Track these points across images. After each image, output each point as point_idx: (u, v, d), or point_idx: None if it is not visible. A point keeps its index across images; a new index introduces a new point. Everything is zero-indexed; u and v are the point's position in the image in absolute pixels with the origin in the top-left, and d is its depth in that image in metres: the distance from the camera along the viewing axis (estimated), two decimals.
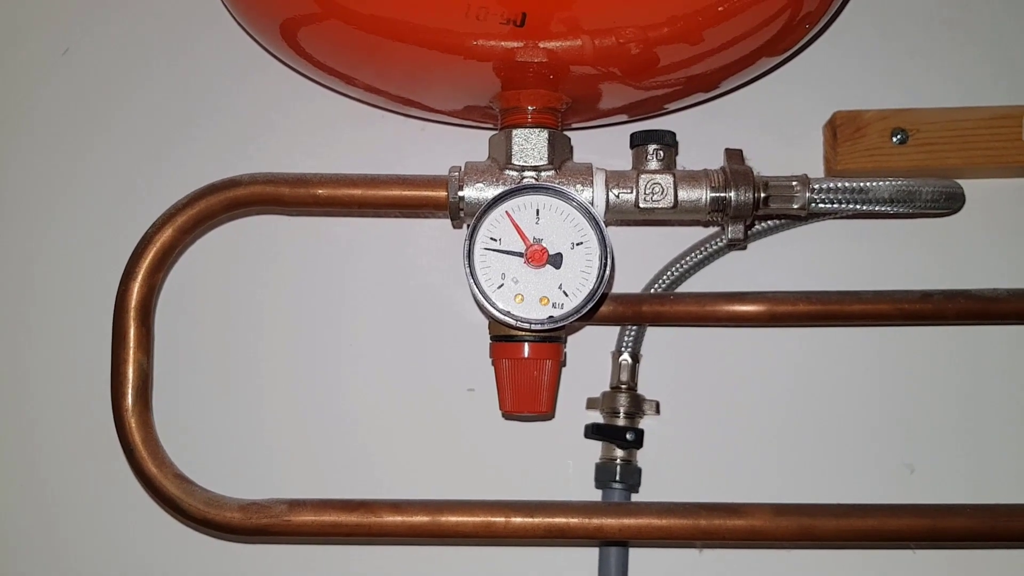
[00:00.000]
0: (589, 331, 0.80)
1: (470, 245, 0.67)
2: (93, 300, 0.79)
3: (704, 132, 0.80)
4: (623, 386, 0.78)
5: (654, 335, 0.80)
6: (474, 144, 0.76)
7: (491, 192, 0.69)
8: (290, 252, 0.81)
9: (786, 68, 0.81)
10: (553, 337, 0.71)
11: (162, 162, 0.82)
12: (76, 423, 0.80)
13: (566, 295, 0.67)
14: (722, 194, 0.71)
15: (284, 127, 0.82)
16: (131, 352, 0.70)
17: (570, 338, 0.79)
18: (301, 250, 0.81)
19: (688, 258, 0.78)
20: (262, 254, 0.81)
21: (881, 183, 0.73)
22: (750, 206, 0.71)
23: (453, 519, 0.69)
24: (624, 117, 0.79)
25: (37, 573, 0.81)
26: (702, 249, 0.78)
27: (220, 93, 0.83)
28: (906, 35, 0.83)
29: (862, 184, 0.72)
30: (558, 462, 0.80)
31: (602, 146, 0.77)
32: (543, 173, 0.70)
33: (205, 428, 0.80)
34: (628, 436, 0.77)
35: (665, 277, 0.78)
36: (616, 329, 0.79)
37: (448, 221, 0.73)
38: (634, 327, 0.78)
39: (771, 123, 0.82)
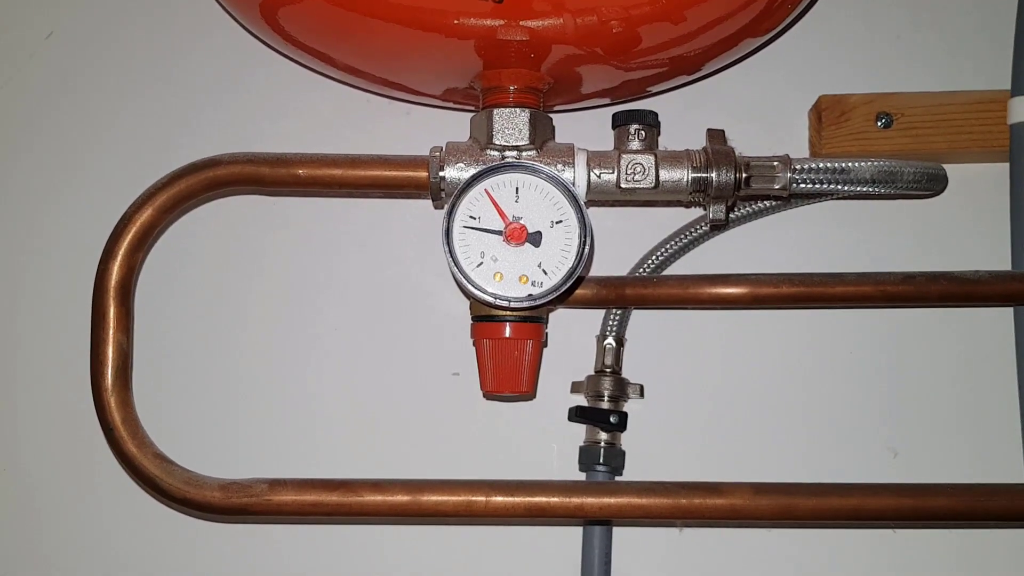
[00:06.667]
0: (574, 314, 0.79)
1: (448, 223, 0.67)
2: (74, 280, 0.79)
3: (688, 117, 0.79)
4: (607, 369, 0.78)
5: (639, 319, 0.80)
6: (461, 127, 0.75)
7: (472, 172, 0.69)
8: (273, 234, 0.81)
9: (770, 52, 0.81)
10: (534, 317, 0.71)
11: (147, 148, 0.82)
12: (56, 403, 0.80)
13: (545, 273, 0.67)
14: (703, 174, 0.70)
15: (273, 113, 0.82)
16: (111, 332, 0.69)
17: (555, 322, 0.79)
18: (284, 232, 0.81)
19: (673, 242, 0.78)
20: (245, 236, 0.81)
21: (863, 163, 0.72)
22: (732, 186, 0.70)
23: (433, 498, 0.69)
24: (607, 100, 0.78)
25: (15, 553, 0.80)
26: (686, 233, 0.78)
27: (209, 82, 0.82)
28: (891, 19, 0.82)
29: (844, 164, 0.72)
30: (543, 446, 0.80)
31: (586, 132, 0.77)
32: (524, 153, 0.70)
33: (186, 409, 0.80)
34: (612, 419, 0.77)
35: (650, 261, 0.78)
36: (600, 313, 0.79)
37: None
38: (618, 311, 0.78)
39: (756, 108, 0.81)
